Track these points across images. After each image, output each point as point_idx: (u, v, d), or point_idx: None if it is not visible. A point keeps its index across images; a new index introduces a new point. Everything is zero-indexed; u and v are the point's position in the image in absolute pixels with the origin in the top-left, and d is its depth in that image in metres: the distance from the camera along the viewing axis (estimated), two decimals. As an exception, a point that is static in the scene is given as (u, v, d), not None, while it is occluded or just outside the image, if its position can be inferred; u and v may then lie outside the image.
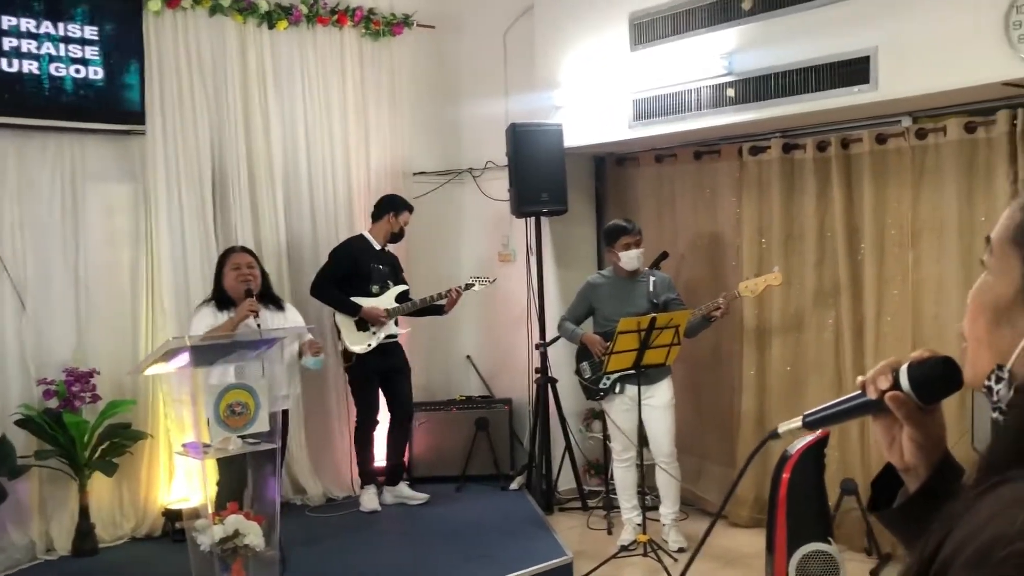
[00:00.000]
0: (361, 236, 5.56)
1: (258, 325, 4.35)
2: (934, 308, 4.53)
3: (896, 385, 1.01)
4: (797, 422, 1.11)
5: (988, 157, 4.27)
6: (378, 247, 5.54)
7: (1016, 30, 3.66)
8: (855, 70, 4.25)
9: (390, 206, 5.57)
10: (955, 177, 4.40)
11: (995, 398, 0.86)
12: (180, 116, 5.24)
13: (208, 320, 4.45)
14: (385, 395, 5.56)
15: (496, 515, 5.35)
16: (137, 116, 5.12)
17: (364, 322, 5.38)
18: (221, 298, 4.55)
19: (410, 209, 5.64)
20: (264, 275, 4.70)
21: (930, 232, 4.54)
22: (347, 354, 5.45)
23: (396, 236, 5.59)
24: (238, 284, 4.51)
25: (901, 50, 4.09)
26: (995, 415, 0.85)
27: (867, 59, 4.20)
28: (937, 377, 0.99)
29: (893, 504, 1.09)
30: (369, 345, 5.41)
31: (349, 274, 5.38)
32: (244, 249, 4.78)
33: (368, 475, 5.55)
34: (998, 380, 0.86)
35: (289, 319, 4.68)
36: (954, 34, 3.88)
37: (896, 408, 1.00)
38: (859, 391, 1.05)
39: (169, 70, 5.20)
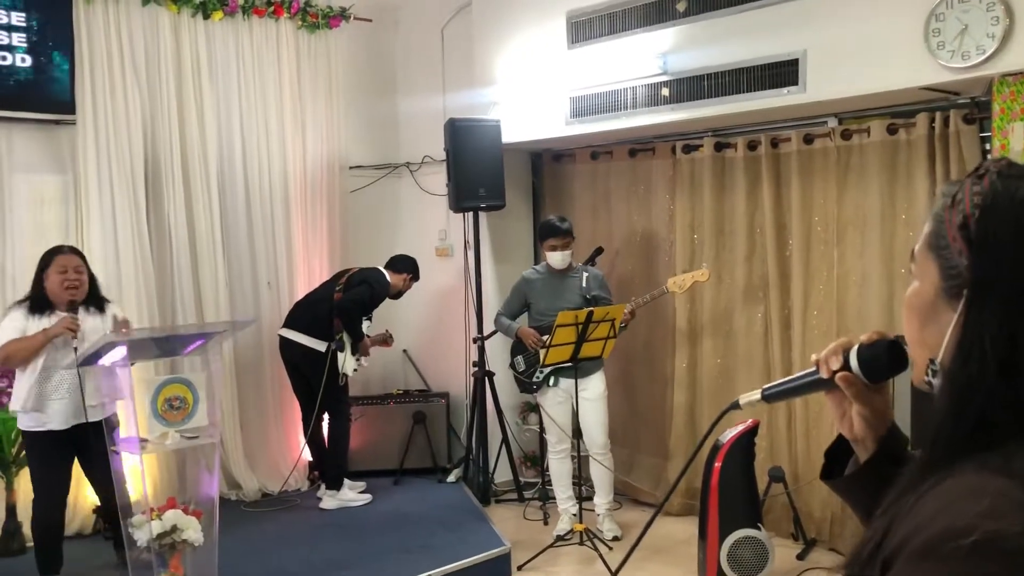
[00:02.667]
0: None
1: (75, 348, 3.89)
2: (857, 301, 4.72)
3: (846, 365, 1.09)
4: (756, 395, 1.19)
5: (908, 157, 4.47)
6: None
7: (935, 37, 3.84)
8: (784, 72, 4.40)
9: (414, 270, 5.74)
10: (877, 176, 4.59)
11: (934, 390, 0.94)
12: (112, 106, 5.13)
13: (17, 324, 3.97)
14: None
15: (434, 507, 5.38)
16: (67, 105, 5.00)
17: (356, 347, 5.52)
18: (39, 301, 4.05)
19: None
20: (92, 278, 4.21)
21: (854, 228, 4.73)
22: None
23: (399, 294, 5.75)
24: (61, 290, 4.02)
25: (828, 54, 4.25)
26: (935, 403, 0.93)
27: (796, 62, 4.36)
28: (884, 359, 1.07)
29: (844, 472, 1.17)
30: (355, 369, 5.56)
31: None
32: (72, 250, 4.22)
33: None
34: (933, 374, 0.95)
35: (108, 319, 4.19)
36: (878, 40, 4.05)
37: (846, 387, 1.09)
38: (813, 369, 1.13)
39: (100, 59, 5.09)
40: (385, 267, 5.68)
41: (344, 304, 5.40)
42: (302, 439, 5.98)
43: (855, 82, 4.19)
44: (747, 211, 5.16)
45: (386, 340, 5.82)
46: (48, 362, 3.95)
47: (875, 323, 4.61)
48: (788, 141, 4.94)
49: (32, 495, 4.17)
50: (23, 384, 4.00)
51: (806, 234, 4.91)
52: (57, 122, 5.05)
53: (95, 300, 4.20)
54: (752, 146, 5.11)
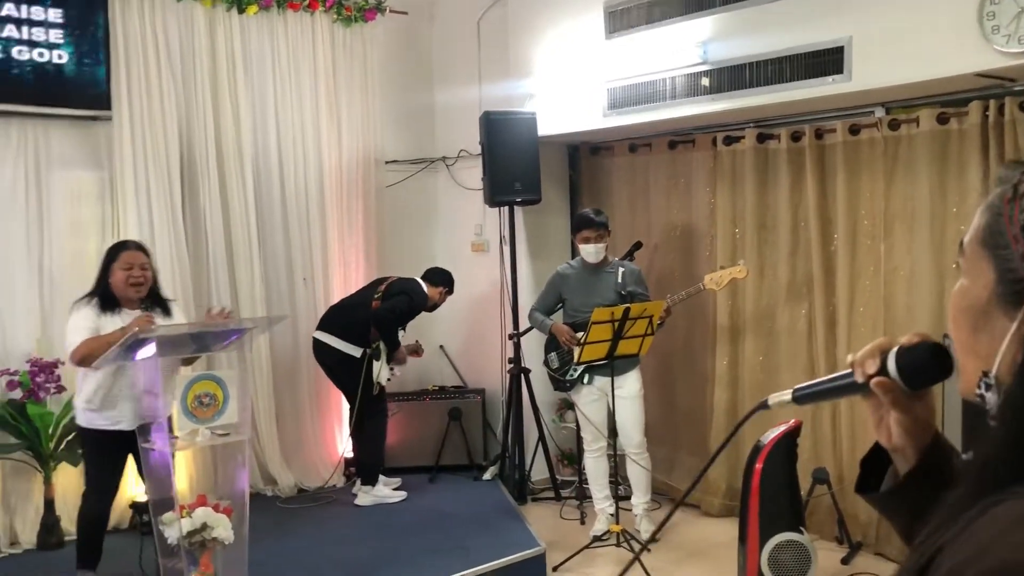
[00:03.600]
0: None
1: None
2: (905, 298, 4.55)
3: (883, 369, 0.98)
4: (787, 395, 1.08)
5: (960, 148, 4.29)
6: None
7: (989, 21, 3.67)
8: (829, 60, 4.25)
9: (450, 283, 5.68)
10: (927, 168, 4.41)
11: (988, 406, 0.83)
12: (147, 102, 5.13)
13: (89, 323, 3.92)
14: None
15: (469, 505, 5.32)
16: (103, 101, 5.01)
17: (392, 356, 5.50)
18: (106, 298, 4.00)
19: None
20: (154, 275, 4.15)
21: (902, 223, 4.56)
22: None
23: (435, 306, 5.68)
24: (126, 286, 3.98)
25: (875, 41, 4.09)
26: (992, 423, 0.82)
27: (841, 49, 4.20)
28: (925, 365, 0.96)
29: (881, 480, 1.07)
30: (388, 379, 5.53)
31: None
32: (138, 246, 4.17)
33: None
34: (987, 388, 0.83)
35: (175, 320, 4.18)
36: (928, 25, 3.89)
37: (882, 394, 0.98)
38: (849, 371, 1.02)
39: (136, 55, 5.09)
40: (421, 278, 5.63)
41: (382, 314, 5.37)
42: (338, 435, 5.98)
43: (904, 70, 4.02)
44: (790, 205, 5.01)
45: (416, 351, 5.78)
46: (107, 361, 3.91)
47: (924, 321, 4.45)
48: (833, 132, 4.78)
49: (80, 493, 4.18)
50: (92, 382, 3.95)
51: (852, 229, 4.75)
52: (94, 118, 5.06)
53: (159, 300, 4.15)
54: (796, 137, 4.95)
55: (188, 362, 4.14)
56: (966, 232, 0.89)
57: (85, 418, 4.02)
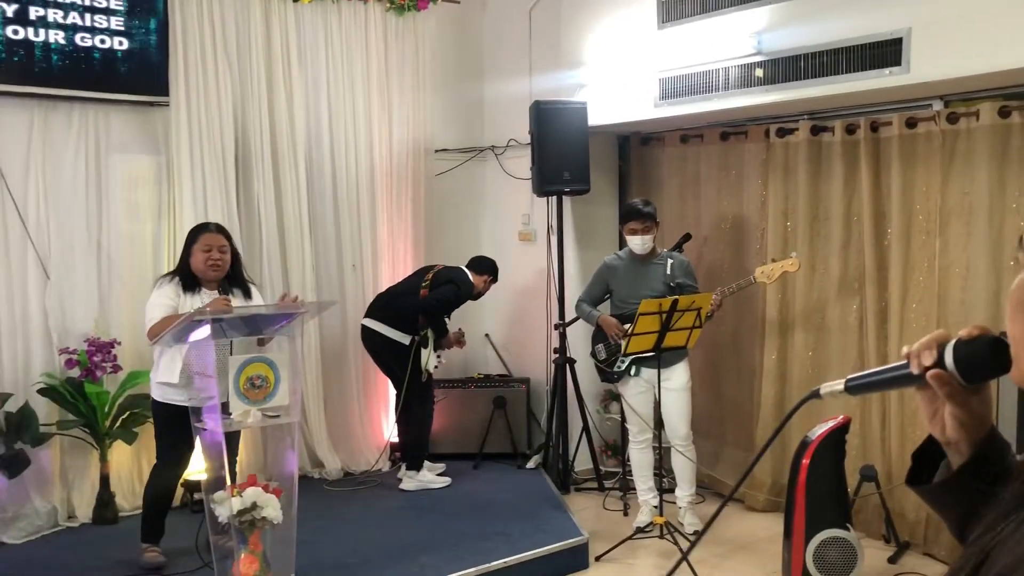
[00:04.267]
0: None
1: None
2: (960, 294, 4.46)
3: (940, 362, 0.97)
4: (839, 385, 1.07)
5: (1022, 143, 4.19)
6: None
7: (1055, 12, 3.57)
8: (887, 51, 4.17)
9: (494, 271, 5.74)
10: (986, 163, 4.31)
11: None
12: (203, 88, 5.22)
13: (169, 302, 4.06)
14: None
15: (513, 493, 5.35)
16: (161, 87, 5.11)
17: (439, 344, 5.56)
18: (187, 278, 4.15)
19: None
20: (235, 257, 4.29)
21: (958, 218, 4.47)
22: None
23: (479, 294, 5.74)
24: (205, 268, 4.12)
25: (935, 31, 4.00)
26: None
27: (899, 41, 4.12)
28: (983, 359, 0.95)
29: (933, 475, 1.05)
30: (436, 366, 5.59)
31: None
32: (219, 228, 4.31)
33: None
34: None
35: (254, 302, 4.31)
36: (990, 15, 3.80)
37: (938, 386, 0.97)
38: (904, 361, 1.01)
39: (193, 42, 5.18)
40: (466, 267, 5.68)
41: (430, 303, 5.43)
42: (384, 420, 6.05)
43: (964, 62, 3.93)
44: (844, 198, 4.94)
45: (459, 340, 5.79)
46: (169, 343, 4.00)
47: (979, 318, 4.36)
48: (889, 125, 4.70)
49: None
50: (173, 359, 4.07)
51: (906, 223, 4.67)
52: (151, 104, 5.16)
53: (239, 282, 4.27)
54: (850, 130, 4.88)
55: (262, 343, 4.22)
56: None
57: (160, 392, 4.14)
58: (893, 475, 4.73)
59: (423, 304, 5.41)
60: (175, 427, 4.13)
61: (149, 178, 5.24)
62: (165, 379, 4.10)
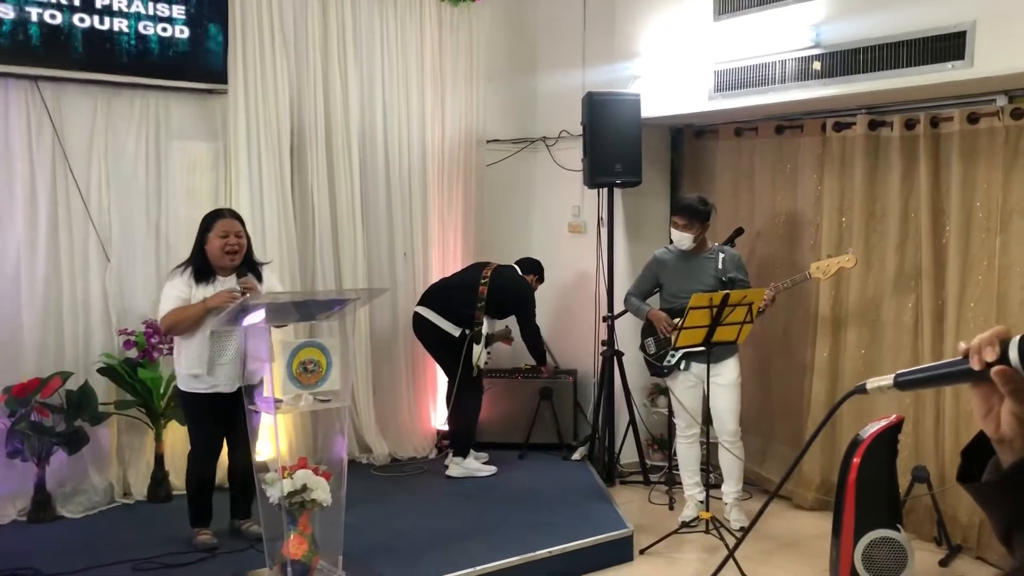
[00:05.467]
0: None
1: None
2: (1021, 294, 4.36)
3: (1004, 358, 0.95)
4: (888, 380, 1.06)
5: (1089, 140, 4.08)
6: None
7: None
8: (950, 45, 4.09)
9: (541, 272, 5.87)
10: (1052, 160, 4.21)
11: None
12: (261, 77, 5.30)
13: (180, 293, 4.09)
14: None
15: (558, 484, 5.37)
16: (220, 75, 5.20)
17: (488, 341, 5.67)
18: (201, 267, 4.14)
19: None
20: (248, 242, 4.27)
21: (1020, 217, 4.36)
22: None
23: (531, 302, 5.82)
24: (222, 254, 4.11)
25: (1001, 24, 3.91)
26: None
27: (963, 34, 4.04)
28: None
29: (982, 472, 1.04)
30: (486, 363, 5.68)
31: None
32: (233, 214, 4.30)
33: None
34: None
35: (266, 289, 4.29)
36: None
37: (1002, 383, 0.95)
38: (961, 357, 1.00)
39: (252, 31, 5.26)
40: (515, 264, 5.80)
41: (532, 339, 5.65)
42: (432, 408, 6.10)
43: (1031, 56, 3.84)
44: (901, 194, 4.85)
45: (507, 337, 5.87)
46: (216, 326, 4.08)
47: (1041, 319, 4.26)
48: (950, 120, 4.60)
49: (187, 451, 4.39)
50: (191, 348, 4.15)
51: (966, 221, 4.57)
52: (210, 91, 5.25)
53: (251, 267, 4.28)
54: (909, 125, 4.78)
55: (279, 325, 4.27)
56: None
57: (185, 383, 4.23)
58: (946, 476, 4.65)
59: (493, 300, 5.50)
60: (203, 416, 4.24)
61: (207, 164, 5.34)
62: (189, 369, 4.16)
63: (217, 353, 4.15)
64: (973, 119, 4.51)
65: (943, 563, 4.45)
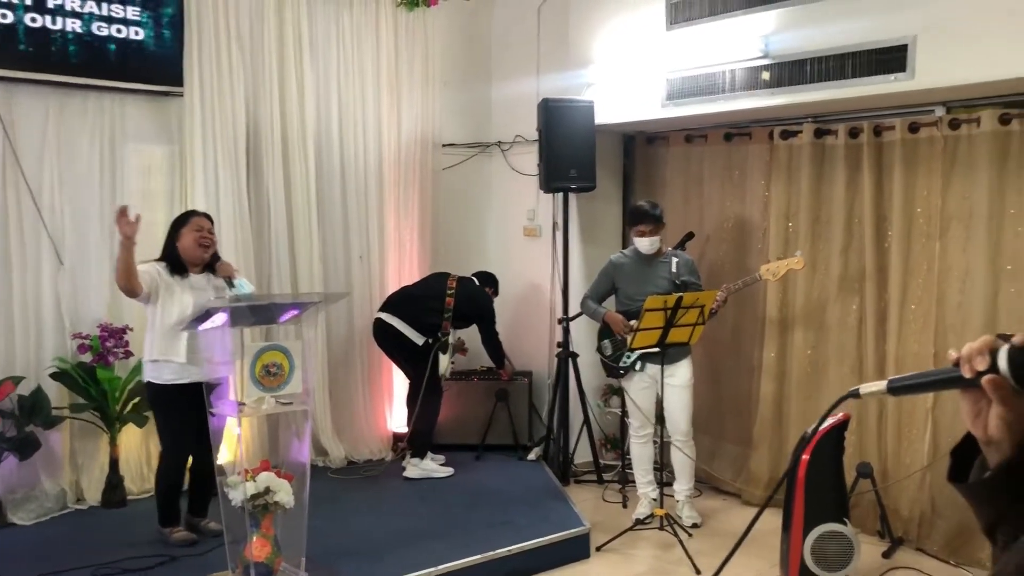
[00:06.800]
0: None
1: (231, 285, 4.24)
2: (958, 297, 4.56)
3: (994, 367, 1.02)
4: (881, 385, 1.13)
5: (1021, 150, 4.29)
6: None
7: (1058, 24, 3.67)
8: (892, 58, 4.26)
9: (496, 285, 6.05)
10: (986, 169, 4.42)
11: None
12: (217, 79, 5.29)
13: (149, 268, 4.23)
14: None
15: (515, 484, 5.44)
16: (175, 78, 5.17)
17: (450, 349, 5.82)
18: (173, 261, 4.29)
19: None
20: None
21: (958, 222, 4.57)
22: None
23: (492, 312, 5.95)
24: (196, 246, 4.27)
25: (940, 39, 4.10)
26: None
27: (904, 48, 4.22)
28: None
29: (968, 472, 1.12)
30: (449, 369, 5.82)
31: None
32: (205, 215, 4.49)
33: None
34: None
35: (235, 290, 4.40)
36: (994, 25, 3.89)
37: (992, 391, 1.01)
38: (953, 366, 1.07)
39: (208, 33, 5.24)
40: (473, 276, 5.95)
41: (467, 312, 5.72)
42: (388, 410, 6.13)
43: (968, 70, 4.03)
44: (846, 201, 5.04)
45: (462, 348, 6.02)
46: (183, 315, 4.12)
47: (976, 322, 4.46)
48: (892, 129, 4.80)
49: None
50: (165, 335, 4.18)
51: (907, 226, 4.77)
52: (166, 93, 5.22)
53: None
54: (853, 133, 4.97)
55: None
56: None
57: (152, 373, 4.25)
58: (889, 472, 4.84)
59: (459, 311, 5.65)
60: (169, 407, 4.25)
61: (162, 167, 5.30)
62: (163, 356, 4.19)
63: (184, 342, 4.19)
64: (914, 128, 4.71)
65: (886, 555, 4.63)
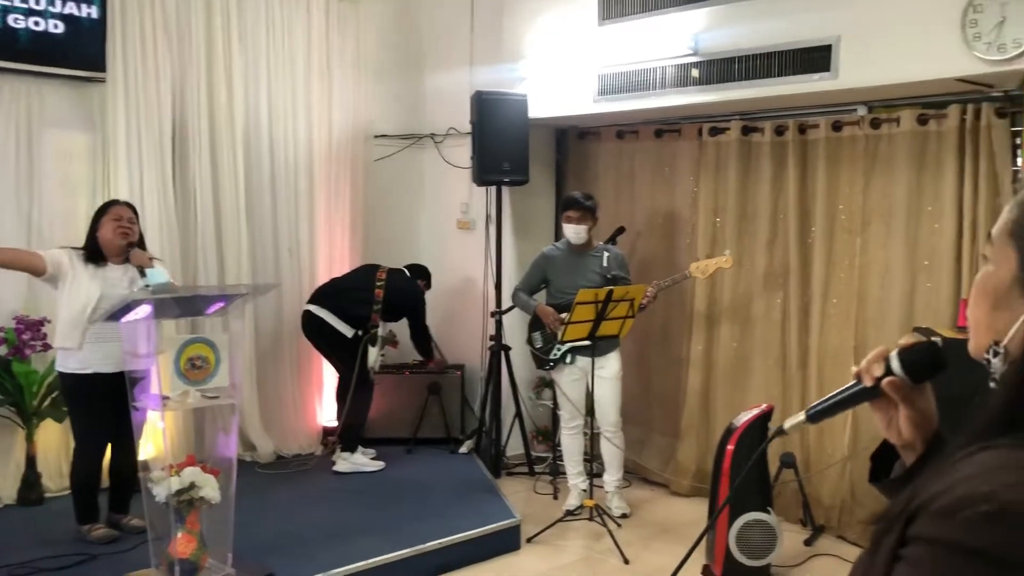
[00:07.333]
0: None
1: (143, 274, 4.13)
2: (878, 292, 4.71)
3: (888, 371, 1.12)
4: (800, 417, 1.22)
5: (938, 149, 4.44)
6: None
7: (972, 28, 3.81)
8: (817, 58, 4.37)
9: (428, 278, 5.99)
10: (905, 167, 4.56)
11: (992, 370, 0.98)
12: (142, 66, 5.15)
13: (61, 254, 4.18)
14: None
15: (446, 477, 5.43)
16: (98, 63, 5.02)
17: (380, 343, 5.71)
18: (93, 252, 4.20)
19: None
20: (140, 238, 4.34)
21: (879, 219, 4.71)
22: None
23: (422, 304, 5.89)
24: (115, 235, 4.18)
25: (862, 41, 4.22)
26: (992, 384, 0.97)
27: (828, 48, 4.33)
28: (926, 360, 1.11)
29: (890, 475, 1.20)
30: (379, 362, 5.73)
31: None
32: (127, 204, 4.38)
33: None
34: (995, 354, 0.97)
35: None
36: (914, 29, 4.02)
37: (892, 391, 1.12)
38: (854, 381, 1.16)
39: (132, 18, 5.10)
40: (405, 268, 5.87)
41: (396, 302, 5.63)
42: (318, 404, 6.07)
43: (888, 71, 4.16)
44: (771, 197, 5.15)
45: (393, 340, 5.96)
46: (101, 304, 4.02)
47: (895, 315, 4.61)
48: (816, 128, 4.92)
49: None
50: (68, 322, 4.07)
51: (830, 222, 4.90)
52: (88, 79, 5.07)
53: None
54: (779, 131, 5.08)
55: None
56: (994, 224, 1.01)
57: (60, 360, 4.17)
58: (811, 462, 4.97)
59: (388, 302, 5.57)
60: (79, 400, 4.17)
61: (84, 154, 5.15)
62: (63, 343, 4.13)
63: (100, 331, 4.08)
64: (837, 127, 4.83)
65: (808, 542, 4.75)
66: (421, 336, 5.78)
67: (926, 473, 0.93)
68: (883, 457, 1.21)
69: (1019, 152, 4.15)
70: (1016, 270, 0.96)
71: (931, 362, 1.11)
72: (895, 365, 1.11)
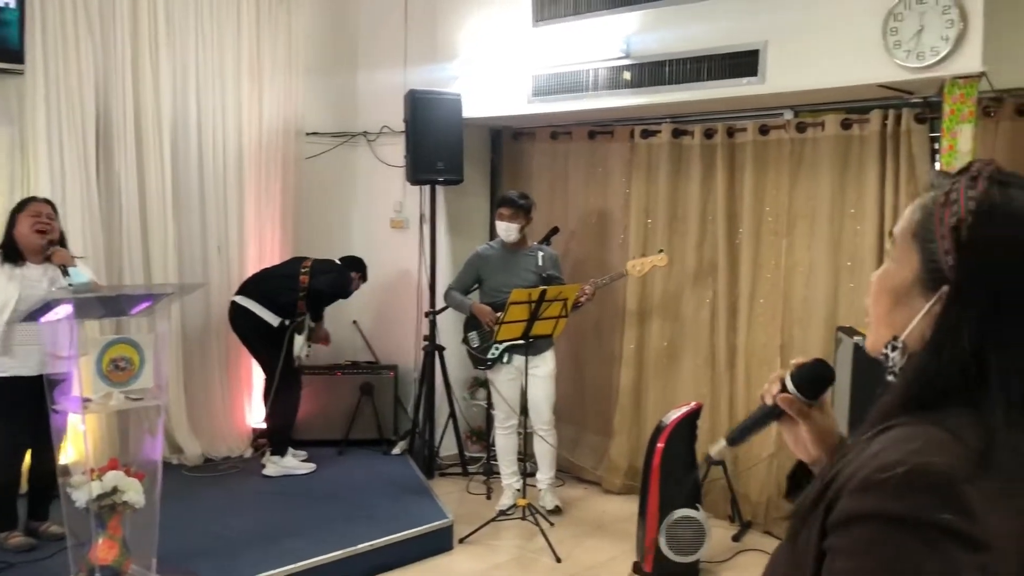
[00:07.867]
0: None
1: (66, 273, 3.98)
2: (803, 291, 4.82)
3: (783, 389, 1.20)
4: (722, 443, 1.29)
5: (860, 153, 4.57)
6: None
7: (892, 36, 3.93)
8: (744, 63, 4.46)
9: (364, 270, 5.79)
10: (829, 170, 4.68)
11: (890, 363, 1.04)
12: (63, 58, 4.99)
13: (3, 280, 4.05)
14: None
15: (378, 479, 5.40)
16: (15, 54, 4.85)
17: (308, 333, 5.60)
18: (10, 251, 4.09)
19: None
20: (61, 235, 4.23)
21: (804, 220, 4.82)
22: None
23: (349, 292, 5.74)
24: (32, 232, 4.05)
25: (788, 47, 4.32)
26: (889, 377, 1.03)
27: (756, 53, 4.42)
28: (813, 376, 1.20)
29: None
30: (307, 355, 5.64)
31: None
32: (46, 201, 4.27)
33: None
34: (894, 349, 1.03)
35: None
36: (837, 36, 4.13)
37: (788, 407, 1.20)
38: (762, 403, 1.23)
39: (52, 9, 4.94)
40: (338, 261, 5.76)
41: (320, 287, 5.46)
42: (247, 406, 5.97)
43: (812, 76, 4.26)
44: (700, 198, 5.23)
45: (326, 337, 5.83)
46: (20, 305, 3.88)
47: (820, 314, 4.72)
48: (744, 131, 5.01)
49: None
50: None
51: (757, 224, 5.00)
52: (5, 71, 4.90)
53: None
54: (709, 134, 5.17)
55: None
56: (895, 223, 1.06)
57: None
58: (739, 460, 5.06)
59: (312, 288, 5.41)
60: (5, 403, 4.02)
61: (2, 149, 4.97)
62: None
63: (20, 333, 3.96)
64: (764, 131, 4.94)
65: (736, 538, 4.85)
66: (320, 292, 5.51)
67: (836, 463, 0.97)
68: (798, 476, 1.28)
69: (937, 156, 4.29)
70: (918, 270, 1.01)
71: (818, 378, 1.19)
72: (788, 384, 1.20)
